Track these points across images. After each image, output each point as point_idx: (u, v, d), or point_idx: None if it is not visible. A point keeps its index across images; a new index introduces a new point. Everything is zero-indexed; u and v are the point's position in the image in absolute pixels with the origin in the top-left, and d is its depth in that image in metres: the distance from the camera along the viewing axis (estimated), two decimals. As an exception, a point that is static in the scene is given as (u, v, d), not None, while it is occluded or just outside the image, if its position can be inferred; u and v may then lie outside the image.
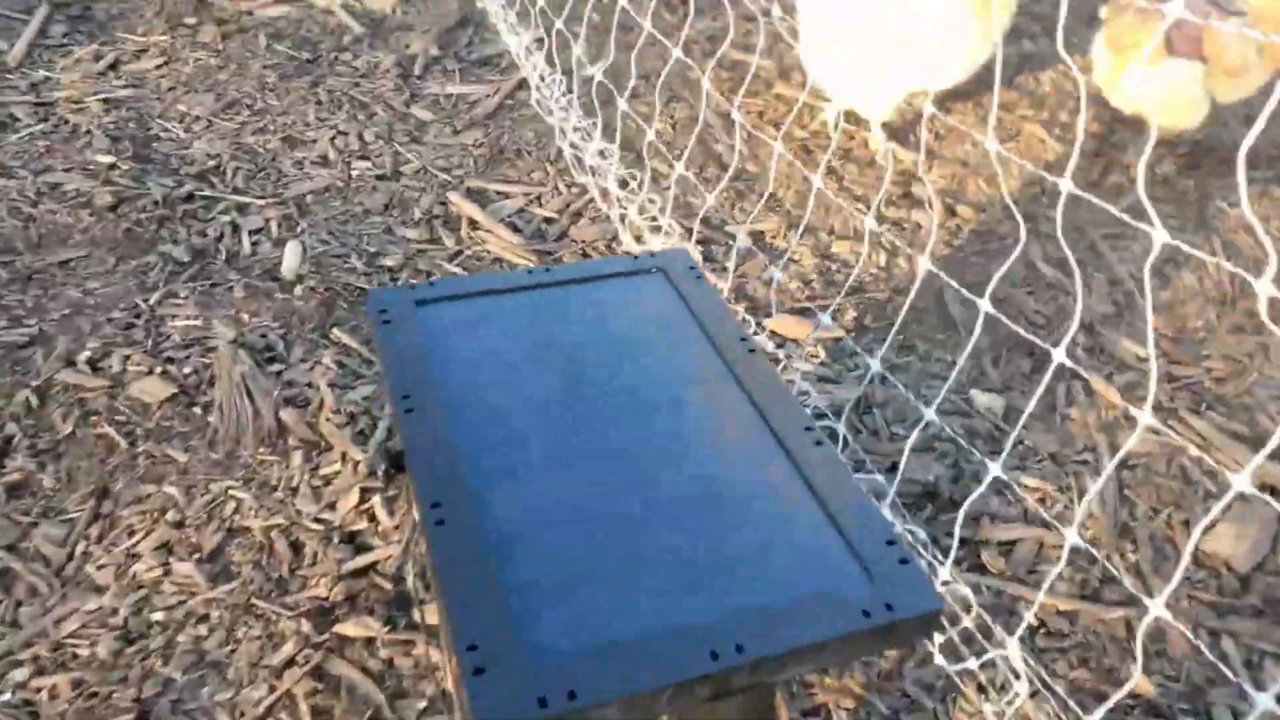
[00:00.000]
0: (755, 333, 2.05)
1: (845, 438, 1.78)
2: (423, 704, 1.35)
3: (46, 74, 2.74)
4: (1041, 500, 1.79)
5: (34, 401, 1.73)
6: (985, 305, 1.40)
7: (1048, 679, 1.47)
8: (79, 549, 1.52)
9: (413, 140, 2.61)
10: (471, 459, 0.95)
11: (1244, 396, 2.06)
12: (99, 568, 1.49)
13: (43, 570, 1.48)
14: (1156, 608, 1.12)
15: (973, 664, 1.41)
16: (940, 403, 1.95)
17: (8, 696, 1.32)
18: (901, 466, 1.59)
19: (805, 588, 0.85)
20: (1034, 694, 1.44)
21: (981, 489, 1.44)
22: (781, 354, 2.02)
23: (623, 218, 2.33)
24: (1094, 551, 1.38)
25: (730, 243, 2.35)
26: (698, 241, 2.29)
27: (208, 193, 2.33)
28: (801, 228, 2.39)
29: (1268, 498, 1.12)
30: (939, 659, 1.45)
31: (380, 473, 0.92)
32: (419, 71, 2.91)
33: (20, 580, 1.47)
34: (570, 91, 2.75)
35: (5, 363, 1.81)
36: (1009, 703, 1.40)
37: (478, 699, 0.72)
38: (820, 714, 1.40)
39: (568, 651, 0.77)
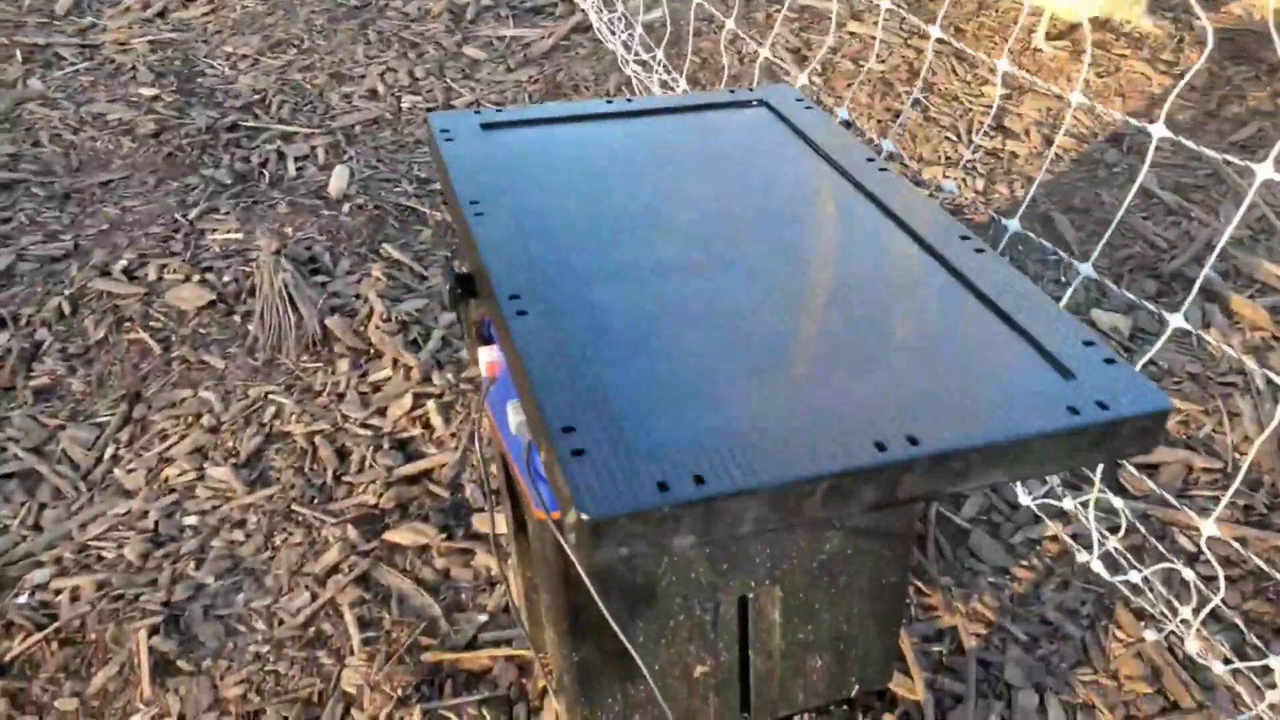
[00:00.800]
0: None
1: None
2: (483, 618, 1.18)
3: (94, 20, 2.67)
4: (1184, 422, 1.58)
5: (66, 308, 1.62)
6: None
7: (1222, 607, 1.26)
8: (108, 453, 1.38)
9: (465, 77, 2.49)
10: (553, 259, 0.78)
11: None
12: (128, 471, 1.35)
13: (69, 473, 1.35)
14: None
15: (1137, 576, 1.20)
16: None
17: (24, 599, 1.18)
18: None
19: (995, 386, 0.67)
20: (1203, 620, 1.23)
21: (1162, 340, 1.24)
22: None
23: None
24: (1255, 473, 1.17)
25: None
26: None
27: (252, 123, 2.22)
28: (886, 150, 2.22)
29: None
30: (1097, 566, 1.24)
31: (450, 296, 0.79)
32: (471, 17, 2.80)
33: (45, 483, 1.34)
34: (632, 28, 2.61)
35: (39, 274, 1.70)
36: (1180, 624, 1.19)
37: (580, 488, 0.55)
38: (945, 639, 1.21)
39: (692, 435, 0.60)
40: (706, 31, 2.66)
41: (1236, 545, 1.27)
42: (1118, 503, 1.31)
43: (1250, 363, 1.68)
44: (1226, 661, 1.17)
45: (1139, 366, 1.39)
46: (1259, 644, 1.20)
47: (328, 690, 1.11)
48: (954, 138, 2.32)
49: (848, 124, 2.11)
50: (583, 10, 2.77)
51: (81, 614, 1.17)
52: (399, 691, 1.10)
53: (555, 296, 0.74)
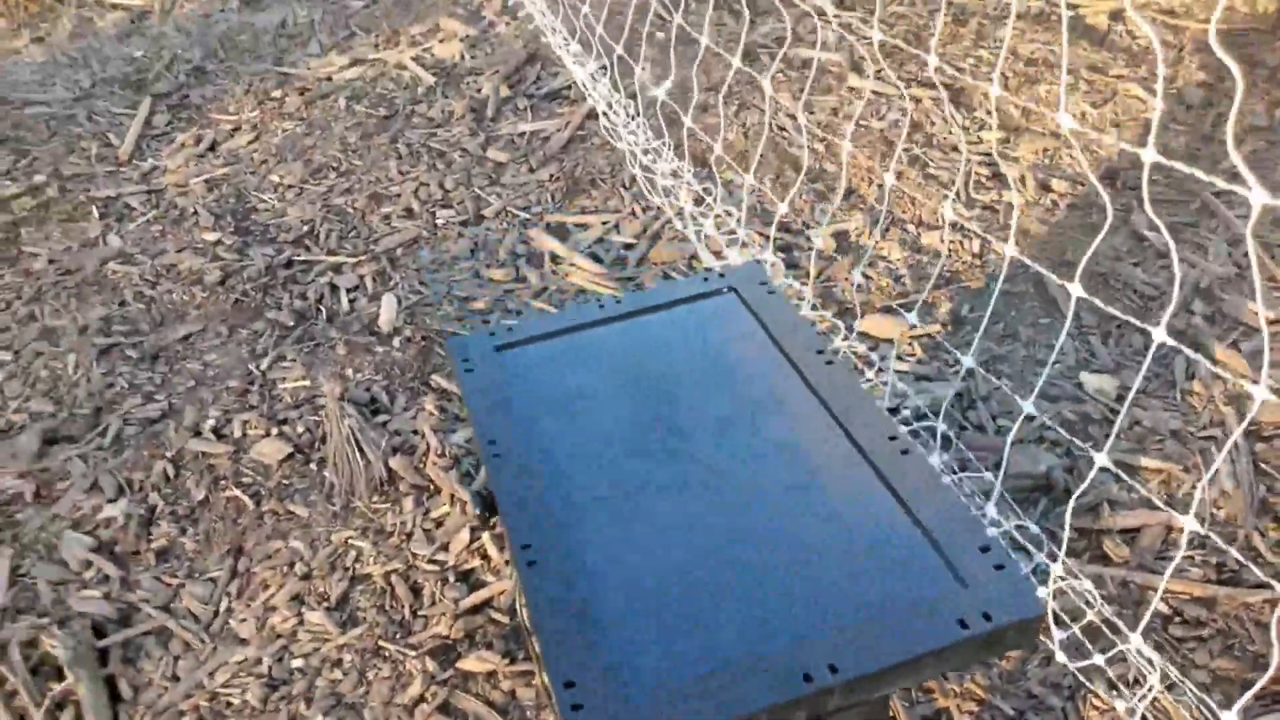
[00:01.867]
0: (846, 336, 2.06)
1: (948, 436, 1.78)
2: (536, 651, 1.42)
3: (154, 163, 2.98)
4: (1165, 482, 1.75)
5: (170, 471, 1.90)
6: (1076, 290, 1.37)
7: (1178, 671, 1.44)
8: (222, 605, 1.66)
9: (491, 182, 2.73)
10: (559, 499, 1.01)
11: (1387, 350, 1.95)
12: (241, 621, 1.63)
13: (193, 627, 1.63)
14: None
15: (1099, 659, 1.39)
16: (1047, 389, 1.92)
17: None
18: (1005, 459, 1.58)
19: (898, 601, 0.88)
20: (1169, 686, 1.41)
21: (1088, 480, 1.42)
22: (875, 355, 2.02)
23: (699, 234, 2.37)
24: (1209, 534, 1.34)
25: (809, 247, 2.37)
26: (779, 249, 2.32)
27: (304, 257, 2.50)
28: (883, 222, 2.39)
29: None
30: (1060, 656, 1.43)
31: (478, 517, 1.00)
32: (491, 113, 3.04)
33: (175, 638, 1.62)
34: (638, 114, 2.82)
35: (142, 437, 1.99)
36: (1142, 698, 1.38)
37: (580, 729, 0.78)
38: (941, 719, 1.41)
39: (661, 685, 0.82)
40: (713, 105, 2.85)
41: (1203, 608, 1.44)
42: (1087, 584, 1.49)
43: (1229, 413, 1.84)
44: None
45: (1115, 431, 1.54)
46: (1211, 705, 1.38)
47: (424, 810, 1.36)
48: (950, 195, 2.49)
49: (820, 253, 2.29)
50: (591, 98, 2.99)
51: (220, 758, 1.44)
52: (481, 807, 1.35)
53: (560, 540, 0.96)
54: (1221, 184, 1.14)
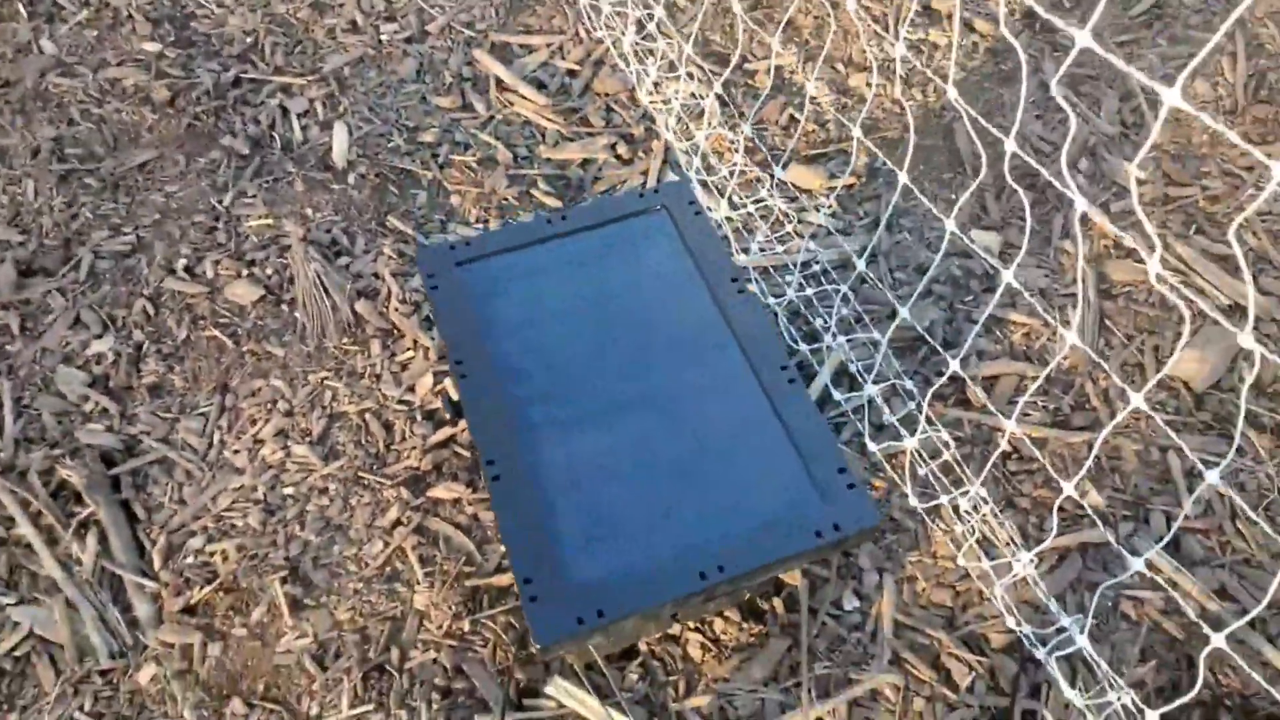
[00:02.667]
0: (771, 182, 2.19)
1: (848, 295, 1.98)
2: (504, 548, 1.71)
3: (74, -52, 2.78)
4: (1026, 335, 2.00)
5: (150, 310, 2.02)
6: (1011, 145, 1.39)
7: (1006, 500, 1.76)
8: (215, 438, 1.86)
9: (434, -7, 2.65)
10: (516, 418, 1.21)
11: (1234, 214, 2.17)
12: (234, 453, 1.84)
13: (193, 458, 1.84)
14: (1108, 431, 1.37)
15: (944, 500, 1.71)
16: (939, 244, 2.12)
17: (190, 560, 1.71)
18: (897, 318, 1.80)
19: (772, 515, 1.12)
20: (994, 515, 1.73)
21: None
22: (792, 209, 2.17)
23: (639, 73, 2.40)
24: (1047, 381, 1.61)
25: (749, 84, 2.43)
26: (721, 85, 2.38)
27: (252, 75, 2.46)
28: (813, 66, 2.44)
29: (1222, 320, 1.31)
30: (913, 500, 1.74)
31: (449, 419, 1.17)
32: (430, -94, 2.86)
33: (178, 467, 1.83)
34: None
35: (117, 273, 2.09)
36: (980, 521, 1.71)
37: (535, 621, 1.03)
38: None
39: (595, 581, 1.07)
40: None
41: (1037, 446, 1.75)
42: (944, 435, 1.78)
43: (1090, 272, 2.07)
44: (1008, 544, 1.69)
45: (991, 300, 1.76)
46: (1019, 528, 1.72)
47: (407, 610, 1.66)
48: (881, 32, 2.52)
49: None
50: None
51: (232, 570, 1.71)
52: (454, 608, 1.66)
53: (518, 460, 1.17)
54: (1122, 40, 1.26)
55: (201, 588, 1.69)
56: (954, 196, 2.21)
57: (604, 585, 1.06)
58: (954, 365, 1.52)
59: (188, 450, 1.85)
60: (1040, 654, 1.58)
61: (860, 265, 1.84)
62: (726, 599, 1.21)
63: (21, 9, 2.62)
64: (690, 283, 1.33)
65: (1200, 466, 1.26)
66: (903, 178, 1.34)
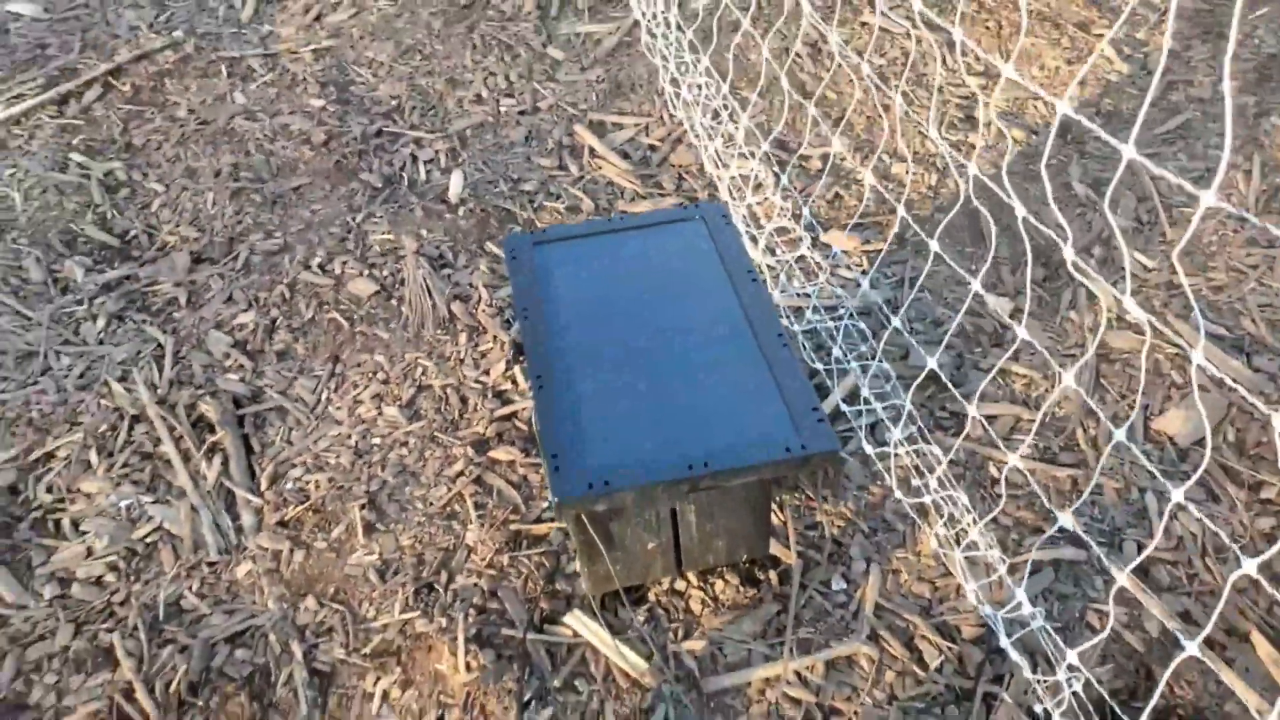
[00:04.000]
0: (812, 242, 2.49)
1: (865, 332, 2.24)
2: (545, 504, 1.98)
3: (269, 28, 3.38)
4: (1026, 385, 2.21)
5: (287, 294, 2.43)
6: (1020, 211, 1.69)
7: (988, 517, 1.95)
8: (323, 396, 2.21)
9: (548, 78, 3.11)
10: (560, 351, 1.51)
11: (1235, 303, 2.36)
12: (336, 409, 2.18)
13: (303, 409, 2.19)
14: (1096, 470, 1.58)
15: (927, 499, 1.91)
16: (955, 303, 2.37)
17: (290, 485, 2.04)
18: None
19: (754, 433, 1.38)
20: (975, 523, 1.92)
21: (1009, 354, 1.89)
22: (827, 263, 2.47)
23: (707, 149, 2.78)
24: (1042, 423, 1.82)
25: (801, 164, 2.77)
26: (775, 165, 2.72)
27: (392, 129, 2.94)
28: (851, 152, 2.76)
29: (1215, 376, 1.51)
30: (898, 493, 1.95)
31: (512, 356, 1.44)
32: (554, 12, 3.38)
33: (290, 414, 2.18)
34: (678, 27, 3.16)
35: (265, 265, 2.51)
36: (962, 530, 1.90)
37: (556, 484, 1.30)
38: (817, 528, 1.95)
39: (605, 460, 1.34)
40: (744, 26, 3.18)
41: (1025, 476, 1.94)
42: (936, 451, 1.99)
43: (1090, 338, 2.28)
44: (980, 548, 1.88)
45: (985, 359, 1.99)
46: (1011, 541, 1.89)
47: (459, 543, 1.94)
48: (924, 133, 2.85)
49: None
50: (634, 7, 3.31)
51: (322, 496, 2.02)
52: (498, 545, 1.92)
53: (557, 378, 1.47)
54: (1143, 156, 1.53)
55: (295, 507, 2.01)
56: (973, 266, 2.47)
57: (611, 466, 1.33)
58: (972, 409, 1.76)
59: (300, 403, 2.21)
60: (1004, 641, 1.74)
61: (896, 315, 2.10)
62: (711, 503, 1.42)
63: (224, 70, 3.19)
64: (712, 270, 1.63)
65: (1175, 511, 1.46)
66: (925, 234, 1.62)
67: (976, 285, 1.51)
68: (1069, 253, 1.25)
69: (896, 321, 1.94)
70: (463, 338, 2.30)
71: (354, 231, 2.59)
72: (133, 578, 1.92)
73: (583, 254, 1.68)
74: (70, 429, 2.17)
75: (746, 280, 1.62)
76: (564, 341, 1.53)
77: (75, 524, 2.01)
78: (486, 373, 2.23)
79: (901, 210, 1.70)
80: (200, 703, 1.75)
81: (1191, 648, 1.25)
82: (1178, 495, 1.22)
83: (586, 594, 1.83)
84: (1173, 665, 1.33)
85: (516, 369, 2.21)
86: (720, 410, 1.41)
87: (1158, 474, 1.45)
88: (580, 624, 1.81)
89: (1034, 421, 2.13)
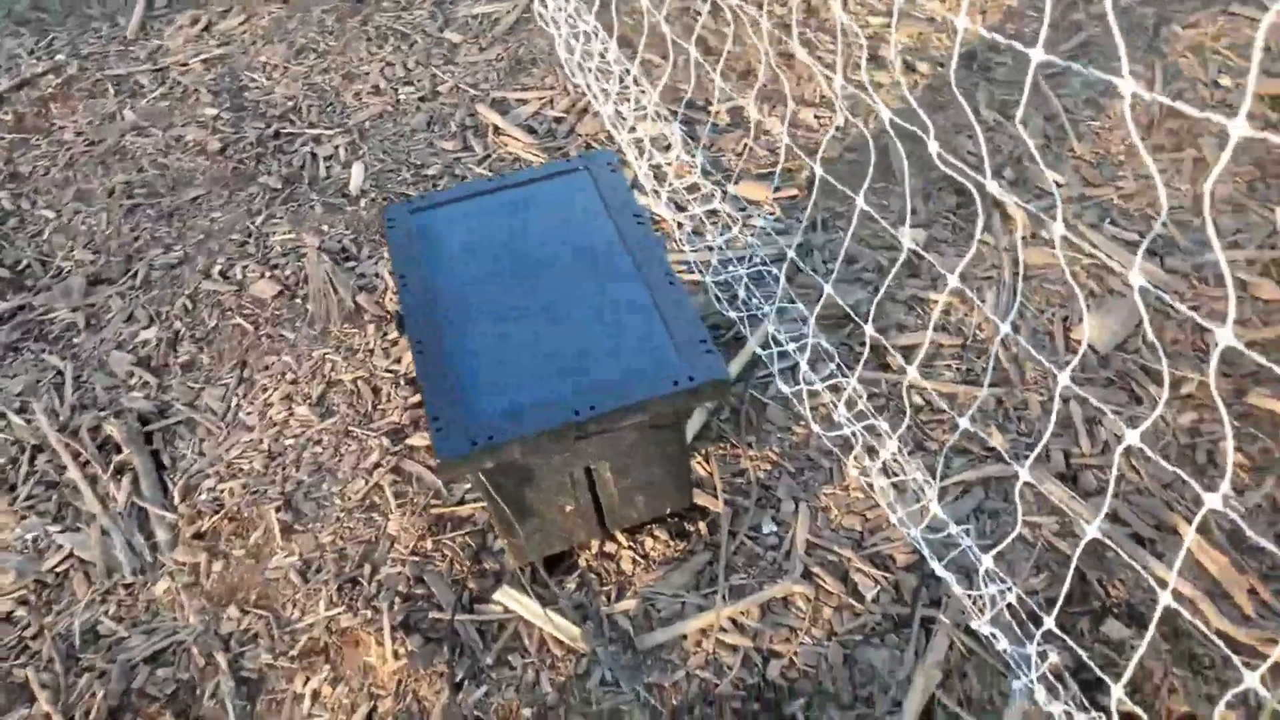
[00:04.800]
0: (721, 198, 2.48)
1: (779, 277, 2.24)
2: (467, 485, 1.96)
3: (158, 42, 3.32)
4: (945, 312, 2.21)
5: (189, 305, 2.38)
6: (933, 146, 1.73)
7: (914, 442, 1.95)
8: (232, 403, 2.17)
9: (446, 61, 3.08)
10: (440, 313, 1.48)
11: (1146, 209, 2.38)
12: (247, 414, 2.14)
13: (213, 418, 2.15)
14: (1018, 386, 1.57)
15: (848, 430, 1.91)
16: (870, 239, 2.37)
17: (204, 496, 2.00)
18: (822, 297, 2.04)
19: (640, 369, 1.36)
20: (897, 450, 1.92)
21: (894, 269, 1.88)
22: (740, 215, 2.46)
23: (615, 114, 2.76)
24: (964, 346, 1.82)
25: (709, 120, 2.76)
26: (682, 122, 2.71)
27: (289, 130, 2.89)
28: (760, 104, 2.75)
29: (1141, 288, 1.52)
30: (816, 428, 1.94)
31: (396, 329, 1.42)
32: (450, -4, 3.35)
33: (200, 425, 2.14)
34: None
35: (165, 279, 2.46)
36: (887, 461, 1.89)
37: (439, 443, 1.28)
38: (743, 475, 1.94)
39: (489, 416, 1.32)
40: (636, -7, 3.16)
41: (946, 400, 1.94)
42: (854, 383, 1.98)
43: (1006, 258, 2.29)
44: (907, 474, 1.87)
45: (889, 282, 1.98)
46: (925, 464, 1.89)
47: (381, 534, 1.91)
48: (830, 75, 2.84)
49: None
50: (536, -17, 3.29)
51: (237, 503, 1.98)
52: (420, 532, 1.89)
53: (438, 338, 1.44)
54: (1058, 61, 1.53)
55: (210, 518, 1.97)
56: (884, 202, 2.47)
57: (496, 420, 1.30)
58: (869, 329, 1.75)
59: (209, 413, 2.16)
60: (935, 564, 1.74)
61: (791, 253, 2.10)
62: (604, 444, 1.40)
63: (110, 89, 3.13)
64: (597, 217, 1.61)
65: (1098, 415, 1.46)
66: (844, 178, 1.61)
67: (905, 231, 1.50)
68: (992, 186, 1.25)
69: (792, 253, 1.93)
70: (370, 329, 2.27)
71: (254, 235, 2.55)
72: (44, 610, 1.88)
73: (462, 215, 1.66)
74: (-29, 466, 2.12)
75: (632, 223, 1.60)
76: (444, 302, 1.51)
77: (-18, 561, 1.96)
78: (398, 361, 2.20)
79: (818, 168, 1.69)
80: (124, 726, 1.71)
81: (1092, 530, 1.25)
82: (1127, 431, 1.22)
83: (513, 568, 1.81)
84: (1079, 548, 1.33)
85: (428, 353, 2.18)
86: (607, 353, 1.39)
87: (1077, 388, 1.45)
88: (509, 599, 1.78)
89: (950, 346, 2.13)
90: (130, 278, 2.49)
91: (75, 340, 2.36)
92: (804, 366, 1.92)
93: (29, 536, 1.99)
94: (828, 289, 1.72)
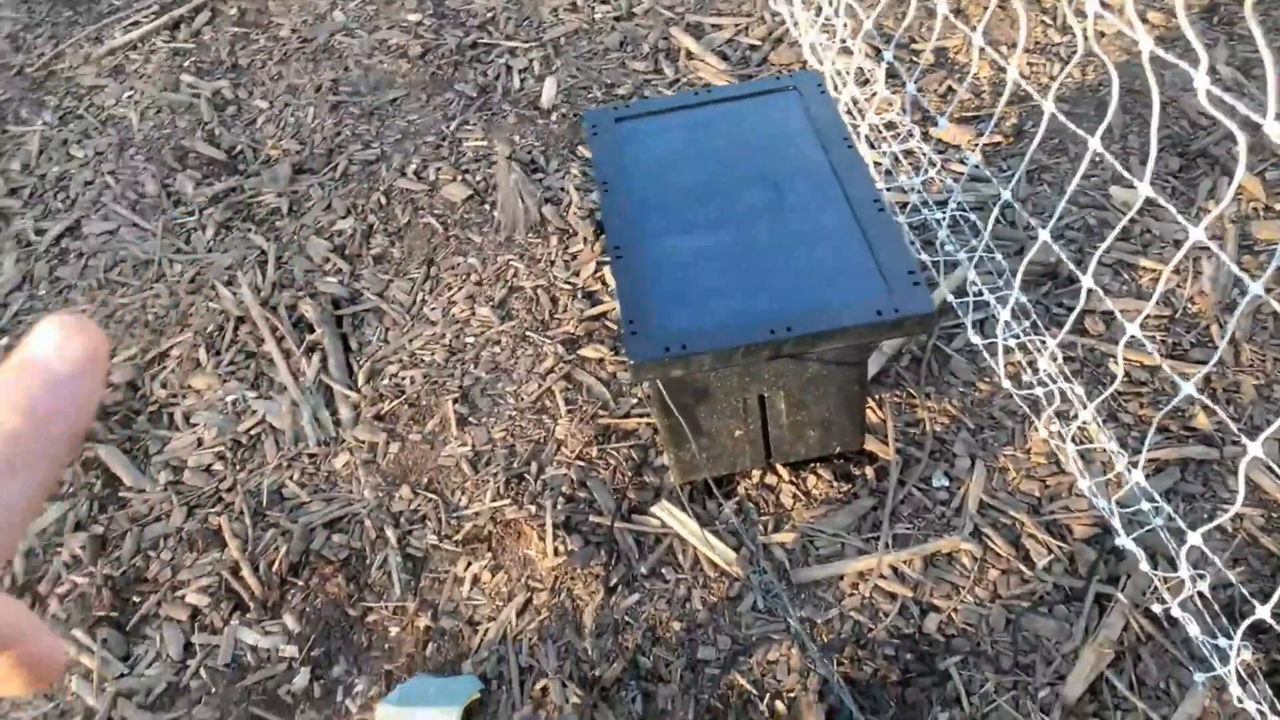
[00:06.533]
0: (922, 136, 2.39)
1: (976, 225, 2.14)
2: (634, 399, 1.98)
3: (367, -53, 3.44)
4: (1154, 280, 2.07)
5: (383, 200, 2.49)
6: (1201, 80, 1.67)
7: (1108, 415, 1.84)
8: (419, 297, 2.27)
9: (645, -18, 3.06)
10: (640, 222, 1.49)
11: None
12: (431, 309, 2.24)
13: (399, 310, 2.25)
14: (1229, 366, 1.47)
15: (1038, 390, 1.82)
16: (1077, 197, 2.23)
17: (386, 382, 2.10)
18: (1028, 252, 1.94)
19: (843, 297, 1.33)
20: (1092, 417, 1.82)
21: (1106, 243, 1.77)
22: (939, 158, 2.35)
23: (811, 45, 2.68)
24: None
25: (914, 60, 2.65)
26: (885, 59, 2.61)
27: (486, 40, 2.95)
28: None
29: None
30: (1006, 384, 1.86)
31: (594, 233, 1.44)
32: (653, -84, 3.31)
33: (386, 315, 2.25)
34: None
35: (363, 174, 2.58)
36: (1078, 427, 1.80)
37: (632, 346, 1.29)
38: (919, 425, 1.88)
39: (683, 325, 1.32)
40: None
41: (1148, 373, 1.82)
42: (1051, 342, 1.88)
43: (1231, 229, 2.12)
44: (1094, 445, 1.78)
45: (1108, 242, 1.86)
46: (1135, 438, 1.79)
47: (549, 436, 1.96)
48: (1049, 20, 2.67)
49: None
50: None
51: (417, 391, 2.08)
52: (586, 439, 1.94)
53: (636, 247, 1.45)
54: None
55: (391, 402, 2.08)
56: (1095, 159, 2.31)
57: (689, 331, 1.31)
58: (1087, 279, 1.66)
59: (396, 304, 2.27)
60: (1121, 539, 1.65)
61: (1006, 193, 2.00)
62: (785, 372, 1.38)
63: (322, -11, 3.27)
64: (805, 138, 1.58)
65: None
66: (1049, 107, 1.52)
67: (1094, 143, 1.40)
68: (1241, 142, 1.15)
69: (1007, 194, 1.84)
70: (554, 240, 2.32)
71: (448, 139, 2.63)
72: (238, 466, 2.03)
73: (667, 126, 1.65)
74: (181, 330, 2.30)
75: (840, 146, 1.56)
76: (644, 210, 1.51)
77: (187, 417, 2.14)
78: (576, 274, 2.23)
79: (1050, 105, 1.59)
80: (300, 582, 1.84)
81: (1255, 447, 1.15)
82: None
83: (674, 485, 1.83)
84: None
85: (606, 270, 2.21)
86: (808, 276, 1.36)
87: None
88: (668, 514, 1.81)
89: (1159, 316, 1.99)
90: (331, 170, 2.62)
91: (278, 224, 2.51)
92: (1005, 317, 1.83)
93: (229, 399, 2.15)
94: (1044, 235, 1.63)
